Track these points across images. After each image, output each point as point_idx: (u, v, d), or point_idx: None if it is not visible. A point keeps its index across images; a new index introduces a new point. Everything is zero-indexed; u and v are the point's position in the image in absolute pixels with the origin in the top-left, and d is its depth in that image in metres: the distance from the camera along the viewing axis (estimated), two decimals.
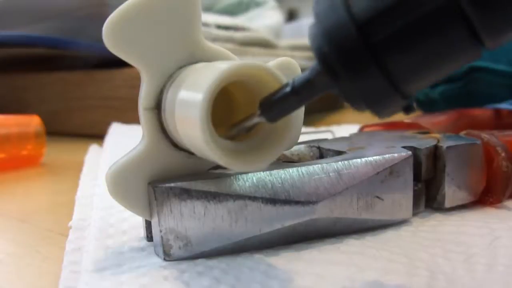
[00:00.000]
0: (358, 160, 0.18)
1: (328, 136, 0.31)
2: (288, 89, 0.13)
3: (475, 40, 0.11)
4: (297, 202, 0.17)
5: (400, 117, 0.31)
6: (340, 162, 0.18)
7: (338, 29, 0.11)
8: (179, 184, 0.16)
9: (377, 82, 0.11)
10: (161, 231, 0.16)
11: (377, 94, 0.12)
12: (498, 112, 0.32)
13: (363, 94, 0.12)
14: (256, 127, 0.16)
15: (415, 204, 0.20)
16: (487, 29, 0.11)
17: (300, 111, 0.19)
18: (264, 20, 0.70)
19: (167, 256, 0.16)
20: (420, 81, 0.12)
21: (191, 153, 0.17)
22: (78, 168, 0.31)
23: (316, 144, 0.22)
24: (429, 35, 0.11)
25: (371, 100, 0.12)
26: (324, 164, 0.18)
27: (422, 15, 0.11)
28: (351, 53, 0.11)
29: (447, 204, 0.21)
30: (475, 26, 0.11)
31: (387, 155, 0.19)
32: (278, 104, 0.14)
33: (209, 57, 0.18)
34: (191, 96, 0.15)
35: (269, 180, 0.17)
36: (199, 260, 0.16)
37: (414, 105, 0.51)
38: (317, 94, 0.13)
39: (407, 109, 0.13)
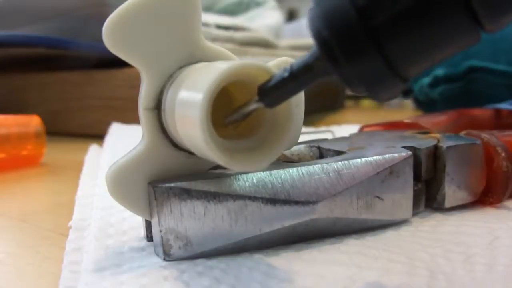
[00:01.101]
0: (358, 160, 0.18)
1: (328, 136, 0.31)
2: (286, 74, 0.13)
3: (475, 23, 0.11)
4: (297, 202, 0.17)
5: (400, 117, 0.31)
6: (340, 162, 0.18)
7: (337, 13, 0.11)
8: (179, 184, 0.16)
9: (376, 67, 0.11)
10: (161, 231, 0.16)
11: (377, 78, 0.12)
12: (498, 112, 0.32)
13: (362, 79, 0.12)
14: (256, 127, 0.16)
15: (415, 204, 0.20)
16: (487, 11, 0.11)
17: (301, 111, 0.19)
18: (264, 20, 0.70)
19: (167, 256, 0.16)
20: (419, 64, 0.12)
21: (191, 153, 0.17)
22: (78, 168, 0.31)
23: (316, 144, 0.22)
24: (429, 19, 0.11)
25: (370, 85, 0.12)
26: (324, 164, 0.18)
27: None
28: (351, 37, 0.11)
29: (447, 204, 0.21)
30: (475, 9, 0.11)
31: (387, 155, 0.19)
32: (276, 89, 0.13)
33: (209, 57, 0.18)
34: (191, 96, 0.15)
35: (269, 180, 0.17)
36: (199, 260, 0.16)
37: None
38: (316, 79, 0.13)
39: (406, 93, 0.13)
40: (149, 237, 0.18)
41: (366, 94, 0.12)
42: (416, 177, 0.20)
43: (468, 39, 0.11)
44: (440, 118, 0.30)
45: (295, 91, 0.14)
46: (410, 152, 0.19)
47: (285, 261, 0.17)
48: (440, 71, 0.47)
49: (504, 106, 0.32)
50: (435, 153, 0.21)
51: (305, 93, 0.18)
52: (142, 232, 0.19)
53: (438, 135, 0.22)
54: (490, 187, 0.22)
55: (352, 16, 0.11)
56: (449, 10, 0.11)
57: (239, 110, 0.15)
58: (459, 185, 0.21)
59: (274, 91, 0.14)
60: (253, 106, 0.14)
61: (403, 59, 0.11)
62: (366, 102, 0.86)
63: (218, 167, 0.18)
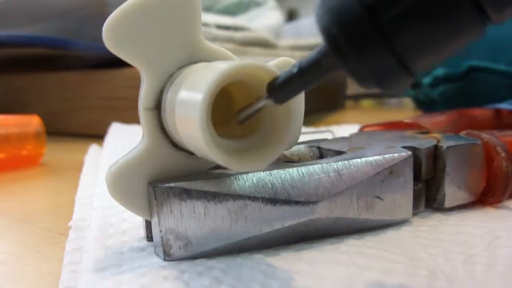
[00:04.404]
0: (358, 160, 0.18)
1: (328, 136, 0.31)
2: (295, 70, 0.13)
3: (481, 15, 0.11)
4: (297, 202, 0.17)
5: (400, 117, 0.31)
6: (340, 162, 0.18)
7: (346, 10, 0.11)
8: (179, 184, 0.16)
9: (385, 62, 0.11)
10: (161, 231, 0.16)
11: (386, 73, 0.12)
12: (498, 112, 0.32)
13: (371, 74, 0.12)
14: (256, 127, 0.16)
15: (415, 204, 0.20)
16: (492, 3, 0.11)
17: (301, 111, 0.19)
18: (264, 20, 0.71)
19: (167, 256, 0.16)
20: (427, 58, 0.12)
21: (191, 153, 0.17)
22: (78, 168, 0.31)
23: (316, 144, 0.22)
24: (437, 12, 0.11)
25: (379, 79, 0.12)
26: (324, 164, 0.18)
27: None
28: (359, 34, 0.11)
29: (447, 204, 0.21)
30: (480, 1, 0.11)
31: (387, 155, 0.19)
32: (285, 85, 0.14)
33: (209, 57, 0.18)
34: (191, 96, 0.15)
35: (269, 180, 0.17)
36: (199, 260, 0.16)
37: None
38: (325, 74, 0.13)
39: (415, 86, 0.13)
40: (149, 237, 0.18)
41: (375, 88, 0.12)
42: (416, 177, 0.20)
43: (475, 32, 0.12)
44: (440, 118, 0.30)
45: (304, 87, 0.14)
46: (410, 152, 0.19)
47: (285, 261, 0.17)
48: (440, 71, 0.47)
49: (504, 106, 0.32)
50: (435, 153, 0.21)
51: (305, 93, 0.18)
52: (142, 232, 0.19)
53: (438, 135, 0.22)
54: (490, 187, 0.22)
55: (361, 13, 0.11)
56: (456, 4, 0.11)
57: (250, 107, 0.15)
58: (459, 185, 0.21)
59: (283, 87, 0.14)
60: (263, 103, 0.14)
61: (411, 53, 0.11)
62: (366, 102, 0.86)
63: (218, 167, 0.18)
